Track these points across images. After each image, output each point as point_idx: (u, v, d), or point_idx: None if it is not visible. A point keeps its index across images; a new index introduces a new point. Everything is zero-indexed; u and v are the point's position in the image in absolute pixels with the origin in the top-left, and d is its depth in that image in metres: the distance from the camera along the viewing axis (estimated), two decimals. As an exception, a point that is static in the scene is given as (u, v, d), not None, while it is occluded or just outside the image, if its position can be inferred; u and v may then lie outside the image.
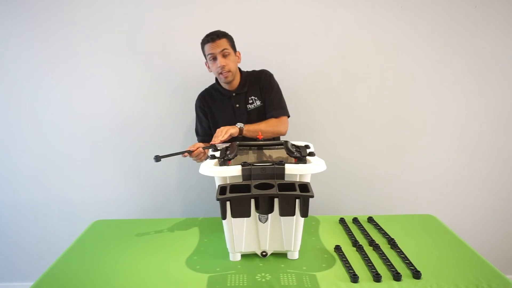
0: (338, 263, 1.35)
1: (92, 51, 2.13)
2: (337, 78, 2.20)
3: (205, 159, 1.52)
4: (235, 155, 1.46)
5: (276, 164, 1.29)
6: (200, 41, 1.76)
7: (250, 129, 1.70)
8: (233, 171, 1.28)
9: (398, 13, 2.11)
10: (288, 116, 1.86)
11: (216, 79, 1.87)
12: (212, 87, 1.91)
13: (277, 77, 1.89)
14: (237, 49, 1.81)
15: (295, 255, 1.38)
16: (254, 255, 1.39)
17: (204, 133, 1.91)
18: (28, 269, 2.40)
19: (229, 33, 1.77)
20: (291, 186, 1.23)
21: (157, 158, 1.46)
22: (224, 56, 1.71)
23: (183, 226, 1.69)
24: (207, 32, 1.74)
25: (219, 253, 1.42)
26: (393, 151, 2.30)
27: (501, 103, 2.23)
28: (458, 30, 2.13)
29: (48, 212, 2.33)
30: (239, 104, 1.83)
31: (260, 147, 1.63)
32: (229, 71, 1.73)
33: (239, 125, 1.68)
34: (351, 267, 1.30)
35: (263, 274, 1.28)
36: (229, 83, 1.80)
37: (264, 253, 1.38)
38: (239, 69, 1.86)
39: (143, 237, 1.59)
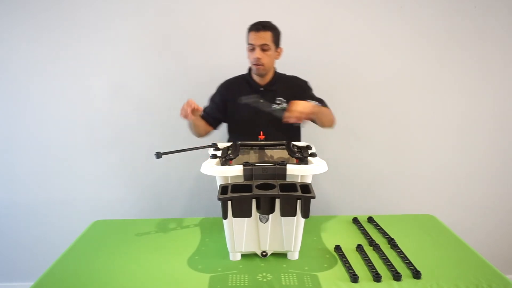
0: (339, 263, 1.35)
1: (92, 50, 2.13)
2: (336, 78, 2.21)
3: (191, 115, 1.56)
4: (237, 155, 1.47)
5: (277, 164, 1.29)
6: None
7: (322, 110, 1.65)
8: (235, 171, 1.28)
9: (398, 13, 2.12)
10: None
11: (249, 70, 1.86)
12: (243, 77, 1.88)
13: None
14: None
15: (295, 256, 1.38)
16: (256, 255, 1.39)
17: (207, 116, 1.87)
18: (28, 269, 2.40)
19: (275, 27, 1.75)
20: (292, 186, 1.23)
21: (158, 155, 1.46)
22: (263, 50, 1.70)
23: (184, 225, 1.69)
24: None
25: (221, 253, 1.42)
26: (393, 151, 2.30)
27: (501, 103, 2.24)
28: (458, 29, 2.14)
29: (48, 212, 2.33)
30: (263, 100, 1.80)
31: (262, 147, 1.63)
32: (262, 65, 1.73)
33: (313, 102, 1.64)
34: (351, 267, 1.30)
35: (264, 274, 1.28)
36: (260, 75, 1.80)
37: (264, 253, 1.38)
38: (274, 68, 1.85)
39: (143, 237, 1.59)
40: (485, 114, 2.25)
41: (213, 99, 1.90)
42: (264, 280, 1.25)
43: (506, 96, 2.23)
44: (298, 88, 1.84)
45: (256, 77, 1.82)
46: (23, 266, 2.41)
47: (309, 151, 1.49)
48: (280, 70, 1.89)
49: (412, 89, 2.23)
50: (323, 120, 1.70)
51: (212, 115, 1.87)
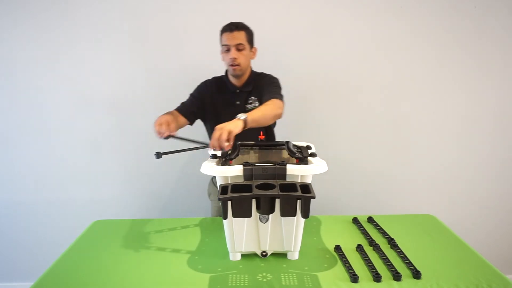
0: (339, 263, 1.35)
1: (92, 50, 2.13)
2: (336, 78, 2.21)
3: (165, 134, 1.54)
4: (237, 155, 1.47)
5: (277, 164, 1.29)
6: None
7: (255, 117, 1.49)
8: (235, 171, 1.28)
9: (398, 13, 2.12)
10: (282, 100, 1.71)
11: (226, 72, 1.86)
12: (221, 78, 1.89)
13: (276, 77, 1.87)
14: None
15: (295, 256, 1.38)
16: (256, 255, 1.39)
17: (185, 111, 1.82)
18: (28, 269, 2.40)
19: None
20: (292, 186, 1.23)
21: (158, 155, 1.46)
22: (238, 50, 1.71)
23: (183, 225, 1.69)
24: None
25: (221, 253, 1.42)
26: (393, 151, 2.31)
27: (501, 102, 2.24)
28: (458, 29, 2.14)
29: (48, 212, 2.33)
30: (239, 102, 1.82)
31: (262, 147, 1.63)
32: (239, 65, 1.73)
33: (242, 116, 1.45)
34: (351, 267, 1.30)
35: (264, 274, 1.28)
36: (237, 77, 1.80)
37: (264, 253, 1.38)
38: (251, 68, 1.85)
39: (143, 237, 1.59)
40: (485, 114, 2.25)
41: (192, 94, 1.90)
42: (264, 280, 1.25)
43: (506, 96, 2.23)
44: (265, 81, 1.82)
45: (232, 79, 1.83)
46: (23, 266, 2.41)
47: (309, 151, 1.49)
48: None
49: (412, 89, 2.23)
50: (265, 121, 1.59)
51: (190, 108, 1.85)
